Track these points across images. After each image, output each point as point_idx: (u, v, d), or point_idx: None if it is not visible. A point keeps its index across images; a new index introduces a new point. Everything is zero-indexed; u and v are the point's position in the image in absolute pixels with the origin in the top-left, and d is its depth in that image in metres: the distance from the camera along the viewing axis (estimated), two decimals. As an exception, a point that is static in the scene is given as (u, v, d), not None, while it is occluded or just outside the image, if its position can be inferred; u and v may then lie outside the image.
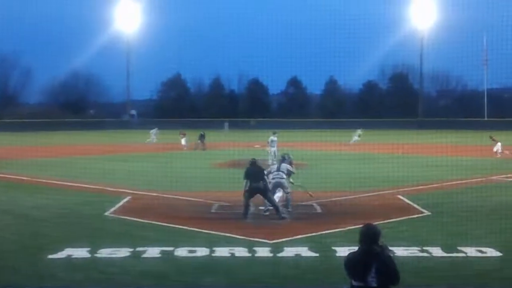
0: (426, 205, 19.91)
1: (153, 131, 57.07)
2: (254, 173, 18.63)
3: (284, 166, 19.99)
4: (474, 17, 65.13)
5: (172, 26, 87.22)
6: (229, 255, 14.01)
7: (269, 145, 37.10)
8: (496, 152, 39.18)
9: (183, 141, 49.86)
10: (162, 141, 51.27)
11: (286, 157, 20.66)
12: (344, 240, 14.86)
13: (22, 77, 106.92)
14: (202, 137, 48.57)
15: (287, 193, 19.56)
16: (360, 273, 7.07)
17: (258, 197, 18.60)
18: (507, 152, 38.76)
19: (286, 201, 19.57)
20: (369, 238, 7.25)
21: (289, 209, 19.23)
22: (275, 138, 37.51)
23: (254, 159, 19.26)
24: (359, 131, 54.27)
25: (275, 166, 20.28)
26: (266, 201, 18.83)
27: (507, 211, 18.97)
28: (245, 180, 18.49)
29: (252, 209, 18.74)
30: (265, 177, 18.84)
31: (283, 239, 15.40)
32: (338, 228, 16.53)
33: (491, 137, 40.64)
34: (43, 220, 18.27)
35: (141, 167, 32.66)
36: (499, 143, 40.08)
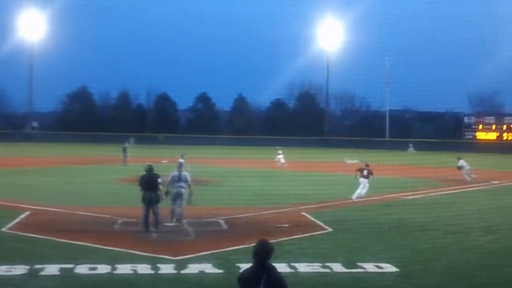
0: (329, 222, 20.31)
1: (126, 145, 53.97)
2: (148, 181, 18.47)
3: (185, 174, 19.89)
4: (378, 42, 67.87)
5: (78, 38, 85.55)
6: (132, 272, 13.74)
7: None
8: (464, 174, 38.40)
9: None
10: (65, 155, 49.83)
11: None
12: (248, 257, 14.71)
13: None
14: (124, 150, 47.12)
15: (181, 206, 19.48)
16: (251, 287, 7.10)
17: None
18: (474, 175, 38.21)
19: (181, 214, 19.52)
20: (262, 254, 7.28)
21: (178, 222, 19.17)
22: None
23: (150, 165, 19.03)
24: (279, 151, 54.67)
25: (177, 174, 19.96)
26: (172, 210, 18.95)
27: (405, 228, 19.69)
28: (139, 188, 18.32)
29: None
30: (160, 185, 18.63)
31: (188, 256, 15.28)
32: (243, 245, 16.54)
33: (459, 159, 39.68)
34: None
35: (41, 181, 31.57)
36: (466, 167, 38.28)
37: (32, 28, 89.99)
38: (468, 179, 37.62)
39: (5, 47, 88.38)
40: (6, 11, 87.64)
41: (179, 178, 19.74)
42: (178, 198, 19.57)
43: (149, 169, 18.84)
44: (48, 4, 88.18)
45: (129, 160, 45.89)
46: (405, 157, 44.27)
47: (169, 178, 20.03)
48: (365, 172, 27.37)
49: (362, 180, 27.21)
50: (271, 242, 7.50)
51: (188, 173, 20.27)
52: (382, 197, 28.11)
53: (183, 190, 19.54)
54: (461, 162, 38.73)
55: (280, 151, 48.79)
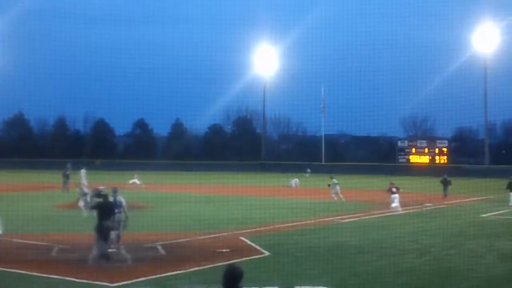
0: (267, 246, 20.61)
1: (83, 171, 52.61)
2: (104, 208, 18.13)
3: (120, 199, 19.76)
4: (313, 67, 69.18)
5: (13, 63, 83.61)
6: (69, 299, 13.68)
7: None
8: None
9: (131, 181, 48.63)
10: (3, 181, 48.56)
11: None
12: (187, 282, 15.08)
13: None
14: (66, 177, 45.94)
15: (120, 230, 19.24)
16: None
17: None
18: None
19: (118, 238, 19.26)
20: (231, 280, 7.21)
21: (114, 248, 18.97)
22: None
23: (100, 189, 18.68)
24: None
25: (111, 200, 19.55)
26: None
27: (341, 251, 20.16)
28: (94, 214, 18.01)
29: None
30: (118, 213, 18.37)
31: (126, 282, 15.29)
32: (181, 270, 16.70)
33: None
34: None
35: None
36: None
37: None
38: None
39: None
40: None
41: (115, 204, 19.60)
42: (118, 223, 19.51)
43: (101, 195, 18.53)
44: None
45: (70, 186, 44.96)
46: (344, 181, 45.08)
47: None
48: (394, 189, 34.46)
49: (394, 196, 33.93)
50: (240, 267, 7.45)
51: (123, 198, 20.15)
52: (318, 220, 28.62)
53: (119, 215, 19.41)
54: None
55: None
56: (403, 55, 60.78)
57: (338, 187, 40.29)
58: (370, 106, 57.39)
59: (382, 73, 59.12)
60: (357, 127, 79.80)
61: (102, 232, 17.72)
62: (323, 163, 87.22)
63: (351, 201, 37.84)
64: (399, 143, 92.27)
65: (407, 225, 26.86)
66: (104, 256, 17.66)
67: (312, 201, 34.12)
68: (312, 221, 28.07)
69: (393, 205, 33.67)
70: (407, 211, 33.59)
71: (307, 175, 62.96)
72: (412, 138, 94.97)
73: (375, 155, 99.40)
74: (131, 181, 49.86)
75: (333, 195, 39.51)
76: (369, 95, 57.07)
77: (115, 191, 20.05)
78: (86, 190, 33.79)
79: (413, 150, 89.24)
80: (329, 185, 40.39)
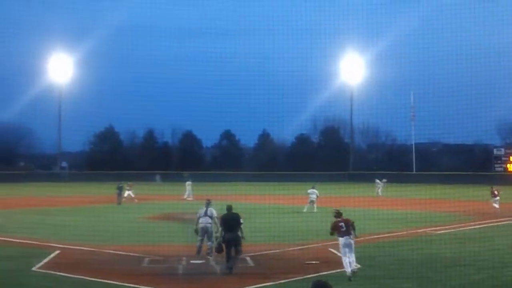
0: (357, 258, 20.05)
1: (188, 183, 52.79)
2: (229, 221, 18.34)
3: (211, 210, 20.04)
4: (402, 75, 67.78)
5: (104, 79, 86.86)
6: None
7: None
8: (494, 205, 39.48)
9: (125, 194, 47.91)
10: (94, 194, 50.26)
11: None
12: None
13: None
14: (120, 189, 46.18)
15: (212, 241, 19.62)
16: None
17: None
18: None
19: (209, 248, 19.68)
20: None
21: (209, 256, 19.27)
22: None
23: (230, 205, 19.10)
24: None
25: (203, 210, 20.25)
26: (199, 246, 19.06)
27: (435, 264, 19.41)
28: (220, 228, 18.21)
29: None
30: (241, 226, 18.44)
31: (215, 294, 15.26)
32: (269, 282, 16.51)
33: (492, 187, 40.85)
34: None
35: (70, 220, 31.85)
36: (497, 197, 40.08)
37: (61, 70, 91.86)
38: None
39: (35, 89, 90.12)
40: (36, 55, 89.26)
41: (205, 214, 19.94)
42: (205, 233, 19.81)
43: (229, 209, 18.89)
44: (75, 48, 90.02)
45: (124, 200, 45.31)
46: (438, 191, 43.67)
47: (196, 215, 20.35)
48: (496, 192, 39.53)
49: (495, 199, 39.23)
50: (328, 282, 7.16)
51: (214, 210, 20.47)
52: (410, 232, 27.80)
53: (209, 226, 19.74)
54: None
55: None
56: (499, 59, 58.38)
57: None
58: (463, 113, 55.41)
59: (476, 78, 56.98)
60: (450, 135, 77.13)
61: (229, 244, 17.99)
62: (414, 172, 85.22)
63: (443, 212, 36.58)
64: (495, 151, 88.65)
65: (506, 237, 25.67)
66: (229, 268, 17.85)
67: (404, 211, 33.24)
68: (404, 232, 27.28)
69: (495, 204, 38.77)
70: (506, 221, 32.11)
71: (381, 184, 61.74)
72: (510, 146, 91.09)
73: (468, 163, 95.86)
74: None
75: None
76: (462, 101, 55.05)
77: (208, 204, 20.53)
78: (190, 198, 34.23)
79: (511, 158, 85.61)
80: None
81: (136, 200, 46.54)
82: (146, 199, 45.74)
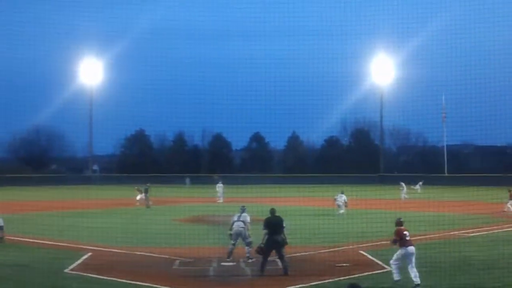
0: (388, 261, 19.88)
1: (219, 185, 53.26)
2: (273, 224, 18.39)
3: (245, 215, 20.31)
4: (432, 75, 67.01)
5: (135, 82, 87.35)
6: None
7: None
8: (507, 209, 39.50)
9: (138, 197, 47.80)
10: (123, 196, 50.65)
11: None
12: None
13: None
14: (146, 191, 46.32)
15: (248, 243, 19.83)
16: None
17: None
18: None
19: (248, 253, 19.87)
20: None
21: (250, 260, 19.36)
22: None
23: (273, 208, 19.18)
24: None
25: (236, 215, 20.57)
26: (231, 249, 19.19)
27: (468, 267, 19.17)
28: (264, 231, 18.28)
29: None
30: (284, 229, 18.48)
31: (246, 296, 15.27)
32: (300, 284, 16.47)
33: (510, 190, 40.75)
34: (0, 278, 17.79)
35: (101, 222, 32.14)
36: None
37: (91, 74, 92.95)
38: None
39: (66, 93, 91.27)
40: (67, 59, 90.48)
41: (239, 219, 20.26)
42: (239, 237, 20.01)
43: (273, 212, 18.97)
44: (105, 51, 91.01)
45: (151, 201, 45.36)
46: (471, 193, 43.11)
47: (231, 220, 20.58)
48: None
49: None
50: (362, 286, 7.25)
51: (248, 215, 20.70)
52: (441, 234, 27.48)
53: (242, 230, 19.95)
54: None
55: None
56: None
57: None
58: (496, 114, 54.55)
59: (509, 79, 55.97)
60: (482, 136, 75.91)
61: (271, 247, 18.00)
62: (445, 174, 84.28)
63: (475, 214, 36.09)
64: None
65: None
66: (262, 268, 17.95)
67: (435, 213, 32.90)
68: (436, 235, 26.97)
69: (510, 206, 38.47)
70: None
71: (417, 186, 61.06)
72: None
73: (501, 165, 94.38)
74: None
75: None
76: (496, 102, 54.16)
77: (243, 209, 20.82)
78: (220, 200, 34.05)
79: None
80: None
81: (151, 202, 46.05)
82: (176, 202, 45.94)
